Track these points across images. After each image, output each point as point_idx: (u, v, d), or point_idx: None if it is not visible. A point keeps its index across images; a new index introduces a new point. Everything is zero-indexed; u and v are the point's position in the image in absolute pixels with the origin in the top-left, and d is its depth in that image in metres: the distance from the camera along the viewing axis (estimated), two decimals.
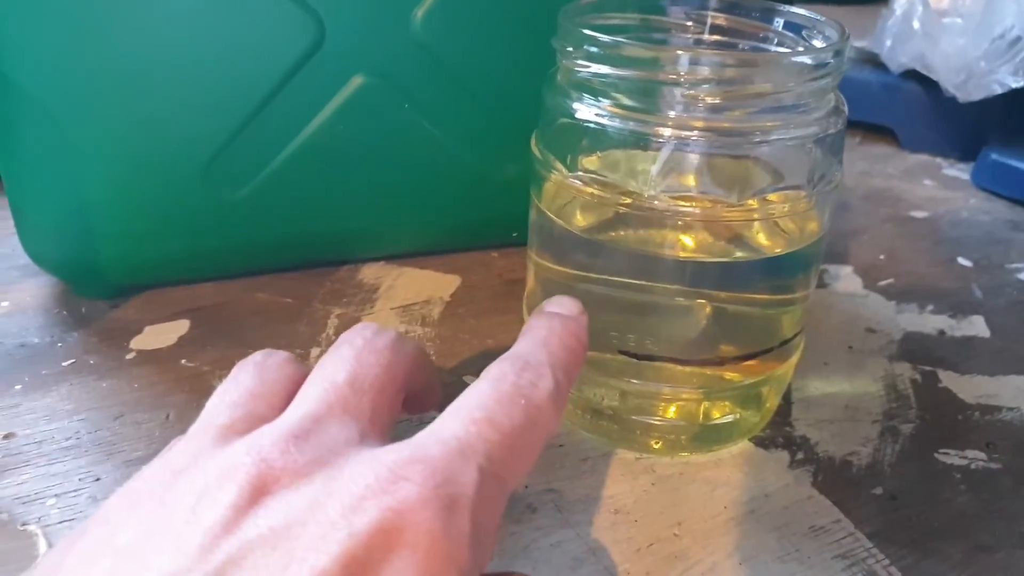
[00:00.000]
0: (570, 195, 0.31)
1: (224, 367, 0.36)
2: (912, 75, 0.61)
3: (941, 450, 0.34)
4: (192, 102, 0.36)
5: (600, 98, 0.28)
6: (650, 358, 0.31)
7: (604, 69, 0.27)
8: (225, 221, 0.39)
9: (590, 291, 0.31)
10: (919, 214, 0.54)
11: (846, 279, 0.46)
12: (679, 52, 0.27)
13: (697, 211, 0.29)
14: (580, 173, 0.29)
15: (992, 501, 0.32)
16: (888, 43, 0.60)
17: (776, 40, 0.33)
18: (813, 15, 0.31)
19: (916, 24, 0.56)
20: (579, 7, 0.31)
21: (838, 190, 0.31)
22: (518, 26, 0.39)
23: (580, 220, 0.31)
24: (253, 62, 0.36)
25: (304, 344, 0.38)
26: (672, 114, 0.27)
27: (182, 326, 0.39)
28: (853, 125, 0.66)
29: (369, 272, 0.44)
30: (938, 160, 0.62)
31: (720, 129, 0.27)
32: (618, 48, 0.27)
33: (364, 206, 0.41)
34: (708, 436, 0.33)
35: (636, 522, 0.30)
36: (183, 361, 0.37)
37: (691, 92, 0.27)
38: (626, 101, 0.28)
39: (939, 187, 0.58)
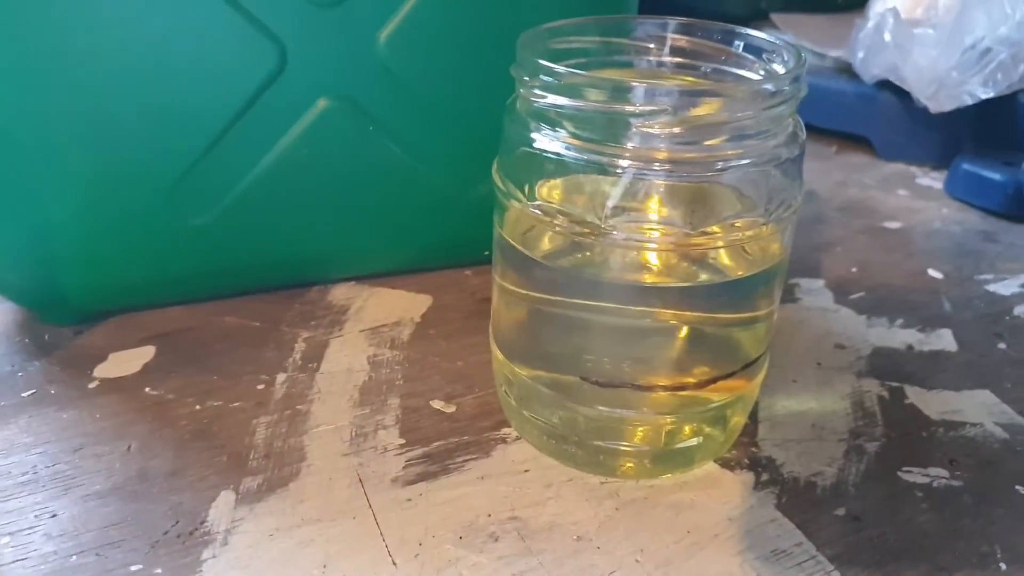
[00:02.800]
0: (531, 223, 0.31)
1: (188, 395, 0.36)
2: (887, 85, 0.61)
3: (905, 468, 0.34)
4: (154, 127, 0.36)
5: (558, 128, 0.28)
6: (611, 385, 0.31)
7: (561, 100, 0.27)
8: (191, 246, 0.39)
9: (552, 315, 0.32)
10: (893, 225, 0.54)
11: (817, 293, 0.46)
12: (635, 84, 0.27)
13: (654, 240, 0.29)
14: (539, 203, 0.29)
15: (953, 520, 0.32)
16: (861, 54, 0.60)
17: (737, 62, 0.33)
18: (772, 38, 0.32)
19: (887, 36, 0.56)
20: (539, 32, 0.31)
21: (798, 213, 0.31)
22: (484, 47, 0.39)
23: (541, 247, 0.31)
24: (215, 87, 0.36)
25: (270, 370, 0.38)
26: (630, 145, 0.27)
27: (147, 352, 0.39)
28: (830, 134, 0.67)
29: (340, 293, 0.44)
30: (913, 169, 0.63)
31: (678, 159, 0.27)
32: (574, 79, 0.27)
33: (333, 228, 0.41)
34: (672, 459, 0.33)
35: (599, 549, 0.30)
36: (147, 389, 0.37)
37: (648, 123, 0.27)
38: (584, 132, 0.28)
39: (913, 197, 0.58)
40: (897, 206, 0.57)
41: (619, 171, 0.27)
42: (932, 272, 0.49)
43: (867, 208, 0.56)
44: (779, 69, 0.31)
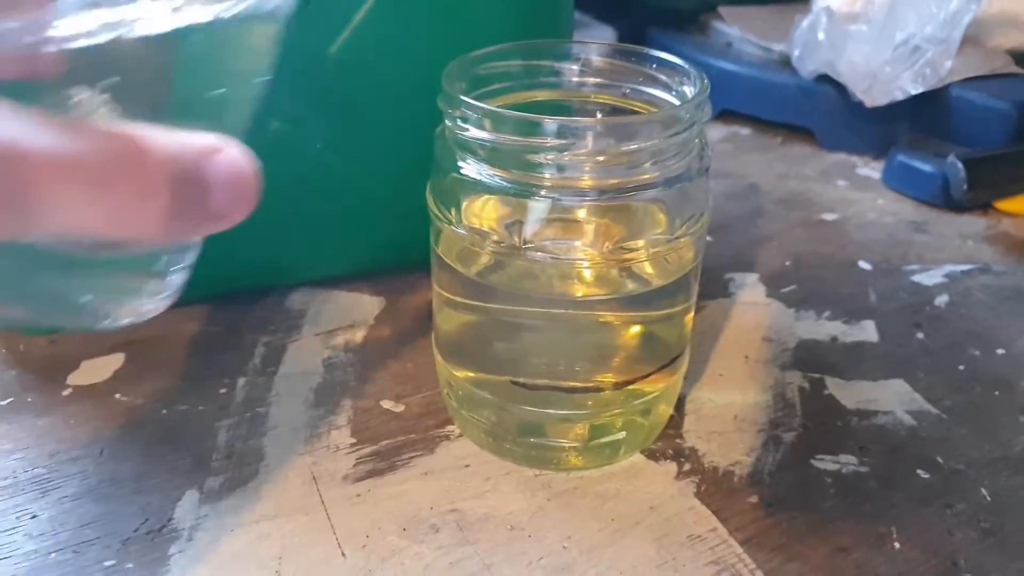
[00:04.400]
0: (462, 243, 0.33)
1: (155, 400, 0.39)
2: (827, 78, 0.64)
3: (818, 456, 0.37)
4: None
5: (480, 158, 0.30)
6: (538, 387, 0.33)
7: (481, 134, 0.30)
8: None
9: (484, 322, 0.34)
10: (829, 217, 0.57)
11: (751, 288, 0.49)
12: (549, 120, 0.29)
13: (573, 259, 0.31)
14: (467, 225, 0.32)
15: (856, 504, 0.35)
16: (797, 52, 0.62)
17: (653, 83, 0.35)
18: (680, 62, 0.34)
19: (821, 35, 0.59)
20: (464, 61, 0.34)
21: (706, 224, 0.34)
22: (426, 66, 0.40)
23: (473, 264, 0.34)
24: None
25: (231, 374, 0.41)
26: (548, 174, 0.30)
27: (117, 360, 0.41)
28: (775, 126, 0.69)
29: (298, 297, 0.47)
30: (854, 159, 0.65)
31: (593, 186, 0.30)
32: (490, 114, 0.30)
33: (288, 239, 0.44)
34: (600, 452, 0.36)
35: (530, 537, 0.33)
36: (117, 395, 0.39)
37: (564, 156, 0.29)
38: (504, 162, 0.30)
39: (851, 188, 0.61)
40: (835, 197, 0.60)
41: (538, 197, 0.30)
42: (862, 264, 0.52)
43: (806, 200, 0.59)
44: (688, 91, 0.33)
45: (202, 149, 0.20)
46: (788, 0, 0.74)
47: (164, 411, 0.38)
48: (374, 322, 0.45)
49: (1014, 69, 0.61)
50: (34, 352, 0.42)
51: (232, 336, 0.43)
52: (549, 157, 0.29)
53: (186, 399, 0.39)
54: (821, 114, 0.65)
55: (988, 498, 0.35)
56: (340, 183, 0.43)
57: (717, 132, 0.70)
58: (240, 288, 0.46)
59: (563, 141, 0.29)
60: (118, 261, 0.22)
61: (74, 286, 0.22)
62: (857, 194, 0.60)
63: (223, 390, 0.40)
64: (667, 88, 0.34)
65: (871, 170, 0.64)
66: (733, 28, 0.71)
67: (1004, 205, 0.56)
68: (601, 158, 0.29)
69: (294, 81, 0.39)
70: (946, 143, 0.60)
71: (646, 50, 0.35)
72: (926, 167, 0.57)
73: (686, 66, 0.34)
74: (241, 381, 0.40)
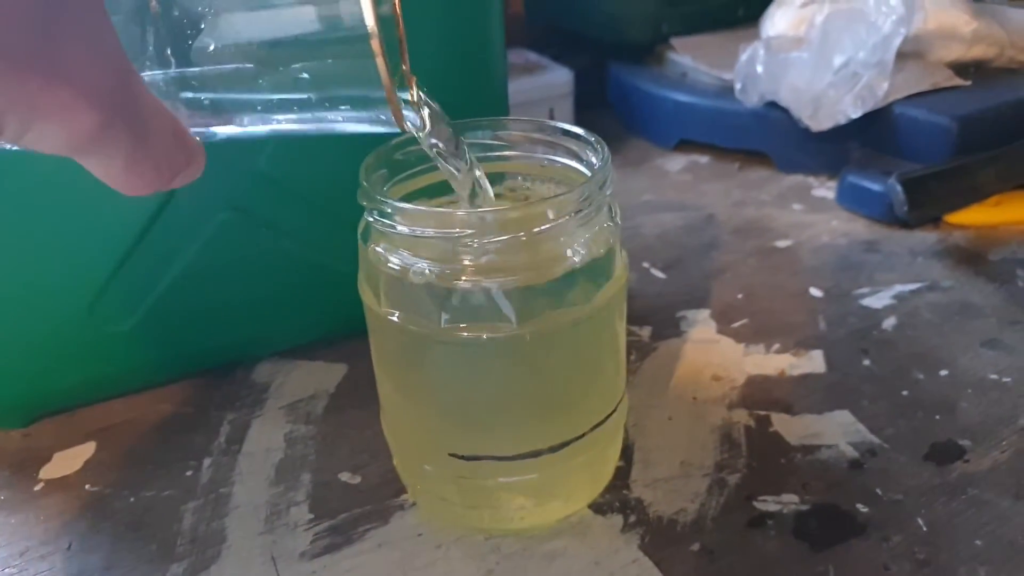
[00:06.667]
0: (389, 326, 0.34)
1: (124, 487, 0.41)
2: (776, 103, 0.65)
3: (760, 497, 0.38)
4: (65, 253, 0.40)
5: (400, 248, 0.32)
6: (476, 458, 0.35)
7: (398, 227, 0.31)
8: (117, 350, 0.43)
9: (421, 399, 0.36)
10: (783, 243, 0.58)
11: (702, 325, 0.50)
12: (461, 213, 0.31)
13: (495, 337, 0.33)
14: (391, 311, 0.33)
15: (795, 543, 0.36)
16: (739, 85, 0.64)
17: (566, 152, 0.36)
18: (584, 133, 0.35)
19: (759, 68, 0.60)
20: (384, 149, 0.35)
21: (623, 279, 0.35)
22: (357, 143, 0.42)
23: (402, 345, 0.35)
24: (116, 211, 0.40)
25: (197, 455, 0.42)
26: (466, 261, 0.31)
27: (88, 449, 0.43)
28: (733, 152, 0.70)
29: (263, 370, 0.48)
30: (810, 180, 0.66)
31: (509, 268, 0.31)
32: (405, 211, 0.31)
33: (247, 318, 0.46)
34: (546, 512, 0.37)
35: None
36: (87, 486, 0.41)
37: (475, 244, 0.31)
38: (422, 252, 0.31)
39: (807, 210, 0.62)
40: (790, 222, 0.61)
41: (456, 283, 0.32)
42: (813, 291, 0.53)
43: (760, 228, 0.60)
44: (594, 160, 0.34)
45: (196, 155, 0.25)
46: (738, 26, 0.76)
47: (132, 499, 0.40)
48: (335, 391, 0.46)
49: (955, 82, 0.62)
50: (9, 446, 0.44)
51: (199, 415, 0.45)
52: (463, 246, 0.31)
53: (153, 484, 0.41)
54: (776, 138, 0.66)
55: (924, 528, 0.36)
56: (291, 262, 0.44)
57: (676, 163, 0.71)
58: (205, 367, 0.48)
59: (470, 231, 0.30)
60: None
61: None
62: (812, 217, 0.61)
63: (189, 472, 0.41)
64: (577, 158, 0.36)
65: (827, 190, 0.65)
66: (684, 58, 0.73)
67: (953, 218, 0.57)
68: (513, 243, 0.31)
69: (236, 175, 0.41)
70: (896, 159, 0.61)
71: (559, 124, 0.36)
72: (875, 186, 0.58)
73: (591, 137, 0.35)
74: (206, 462, 0.42)
